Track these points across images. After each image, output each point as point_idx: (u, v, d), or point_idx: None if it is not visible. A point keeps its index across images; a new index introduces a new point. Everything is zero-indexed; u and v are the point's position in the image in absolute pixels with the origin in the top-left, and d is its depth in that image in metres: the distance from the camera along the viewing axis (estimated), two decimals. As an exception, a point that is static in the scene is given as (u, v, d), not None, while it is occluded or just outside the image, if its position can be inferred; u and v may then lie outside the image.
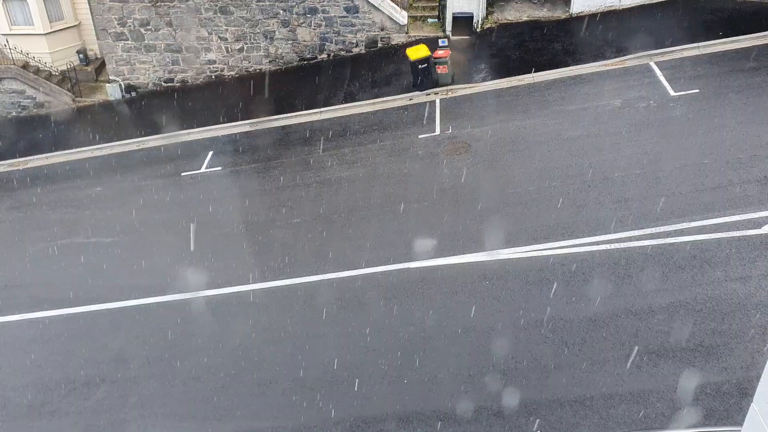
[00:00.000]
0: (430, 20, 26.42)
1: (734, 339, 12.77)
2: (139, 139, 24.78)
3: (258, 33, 25.91)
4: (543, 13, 25.57)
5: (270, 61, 26.44)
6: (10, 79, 26.84)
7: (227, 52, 26.34)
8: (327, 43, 25.96)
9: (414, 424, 12.70)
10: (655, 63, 21.60)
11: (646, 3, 24.45)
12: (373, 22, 25.44)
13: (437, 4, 26.70)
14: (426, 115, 22.24)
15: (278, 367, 14.47)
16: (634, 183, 17.03)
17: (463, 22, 25.09)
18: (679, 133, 18.42)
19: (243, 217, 19.60)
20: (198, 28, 25.97)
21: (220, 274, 17.34)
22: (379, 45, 25.85)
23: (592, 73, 22.08)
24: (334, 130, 22.72)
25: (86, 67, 28.22)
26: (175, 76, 27.04)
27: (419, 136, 21.19)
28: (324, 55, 26.21)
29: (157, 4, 25.57)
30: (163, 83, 27.20)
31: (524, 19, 25.48)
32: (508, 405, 12.58)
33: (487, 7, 25.58)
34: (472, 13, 25.01)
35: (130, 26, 26.15)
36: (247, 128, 24.09)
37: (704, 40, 21.88)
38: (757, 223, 15.00)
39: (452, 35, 25.23)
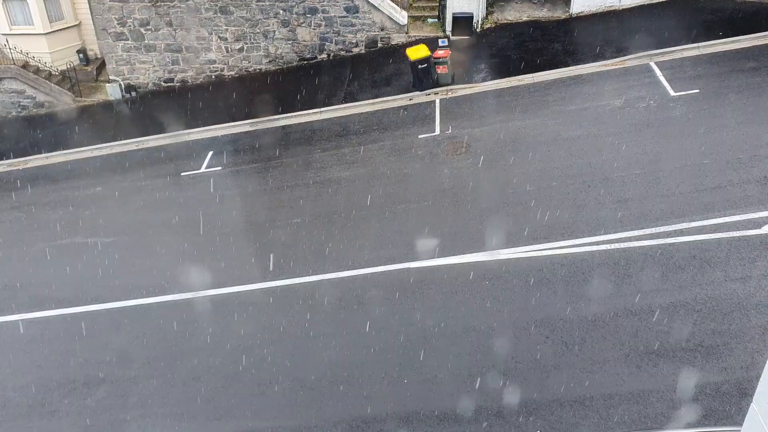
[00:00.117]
0: (430, 20, 26.42)
1: (734, 339, 12.77)
2: (139, 138, 24.77)
3: (258, 33, 25.91)
4: (543, 13, 25.57)
5: (270, 61, 26.44)
6: (10, 79, 26.84)
7: (227, 51, 26.34)
8: (327, 43, 25.96)
9: (414, 424, 12.70)
10: (655, 63, 21.60)
11: (646, 3, 24.46)
12: (373, 22, 25.44)
13: (437, 4, 26.70)
14: (426, 115, 22.24)
15: (278, 367, 14.47)
16: (634, 183, 17.04)
17: (463, 22, 25.09)
18: (679, 133, 18.43)
19: (243, 217, 19.59)
20: (198, 28, 25.98)
21: (220, 274, 17.34)
22: (379, 45, 25.85)
23: (592, 73, 22.08)
24: (334, 130, 22.72)
25: (86, 67, 28.23)
26: (175, 76, 27.04)
27: (419, 136, 21.19)
28: (324, 55, 26.21)
29: (157, 4, 25.57)
30: (163, 83, 27.21)
31: (524, 19, 25.48)
32: (508, 405, 12.59)
33: (487, 7, 25.58)
34: (472, 13, 25.02)
35: (130, 26, 26.15)
36: (247, 128, 24.10)
37: (704, 40, 21.88)
38: (757, 223, 15.01)
39: (452, 35, 25.23)
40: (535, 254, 15.63)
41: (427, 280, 15.76)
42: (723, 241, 14.77)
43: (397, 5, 25.45)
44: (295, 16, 25.48)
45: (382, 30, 25.59)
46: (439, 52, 23.11)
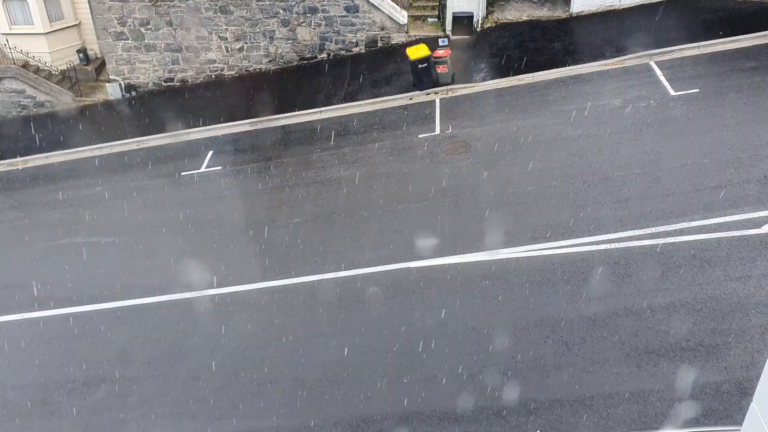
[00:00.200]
0: (430, 20, 26.41)
1: (734, 339, 12.78)
2: (139, 138, 24.77)
3: (258, 32, 25.91)
4: (543, 13, 25.57)
5: (270, 61, 26.44)
6: (10, 79, 26.84)
7: (227, 51, 26.34)
8: (327, 43, 25.95)
9: (414, 424, 12.70)
10: (655, 62, 21.59)
11: (646, 2, 24.44)
12: (373, 21, 25.44)
13: (437, 3, 26.69)
14: (426, 114, 22.24)
15: (278, 367, 14.47)
16: (634, 182, 17.03)
17: (463, 21, 25.08)
18: (679, 132, 18.42)
19: (243, 216, 19.60)
20: (198, 28, 25.97)
21: (220, 274, 17.34)
22: (379, 44, 25.85)
23: (592, 72, 22.08)
24: (333, 129, 22.72)
25: (86, 67, 28.22)
26: (175, 76, 27.04)
27: (419, 136, 21.19)
28: (324, 55, 26.20)
29: (157, 3, 25.57)
30: (163, 83, 27.21)
31: (524, 18, 25.48)
32: (508, 405, 12.59)
33: (487, 7, 25.57)
34: (472, 13, 25.01)
35: (130, 26, 26.15)
36: (247, 128, 24.09)
37: (704, 40, 21.87)
38: (757, 223, 15.01)
39: (452, 35, 25.23)
40: (535, 254, 15.63)
41: (427, 279, 15.76)
42: (723, 241, 14.77)
43: (397, 5, 25.44)
44: (295, 15, 25.48)
45: (382, 29, 25.59)
46: (439, 52, 23.10)
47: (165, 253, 18.63)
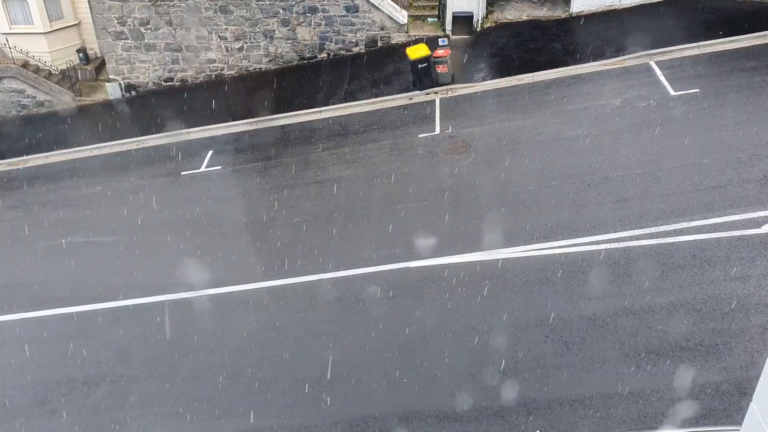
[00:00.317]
0: (430, 19, 26.41)
1: (734, 339, 12.78)
2: (139, 138, 24.77)
3: (258, 32, 25.90)
4: (543, 13, 25.57)
5: (270, 61, 26.44)
6: (9, 78, 26.83)
7: (227, 51, 26.34)
8: (327, 43, 25.95)
9: (414, 424, 12.70)
10: (655, 62, 21.60)
11: (646, 2, 24.44)
12: (373, 21, 25.43)
13: (437, 3, 26.69)
14: (426, 114, 22.24)
15: (278, 367, 14.48)
16: (634, 183, 17.04)
17: (463, 21, 25.08)
18: (679, 132, 18.42)
19: (243, 216, 19.60)
20: (198, 28, 25.97)
21: (220, 273, 17.34)
22: (379, 44, 25.85)
23: (592, 72, 22.08)
24: (333, 129, 22.72)
25: (86, 66, 28.21)
26: (175, 76, 27.04)
27: (419, 136, 21.19)
28: (324, 55, 26.20)
29: (157, 3, 25.57)
30: (163, 82, 27.20)
31: (524, 18, 25.48)
32: (508, 404, 12.59)
33: (487, 7, 25.57)
34: (472, 13, 25.01)
35: (130, 25, 26.14)
36: (247, 127, 24.09)
37: (704, 40, 21.88)
38: (757, 223, 15.01)
39: (452, 35, 25.22)
40: (535, 254, 15.63)
41: (427, 279, 15.76)
42: (723, 241, 14.77)
43: (397, 4, 25.44)
44: (295, 15, 25.48)
45: (382, 29, 25.59)
46: (439, 52, 23.10)
47: (165, 252, 18.63)
